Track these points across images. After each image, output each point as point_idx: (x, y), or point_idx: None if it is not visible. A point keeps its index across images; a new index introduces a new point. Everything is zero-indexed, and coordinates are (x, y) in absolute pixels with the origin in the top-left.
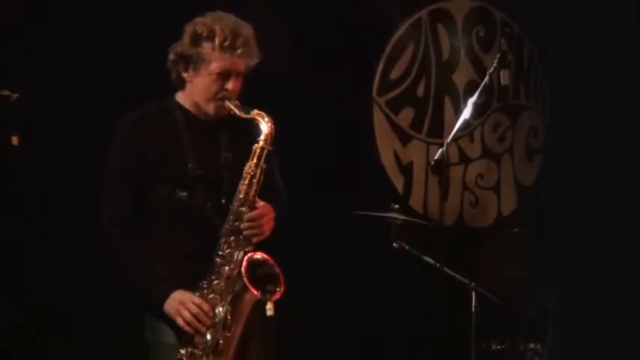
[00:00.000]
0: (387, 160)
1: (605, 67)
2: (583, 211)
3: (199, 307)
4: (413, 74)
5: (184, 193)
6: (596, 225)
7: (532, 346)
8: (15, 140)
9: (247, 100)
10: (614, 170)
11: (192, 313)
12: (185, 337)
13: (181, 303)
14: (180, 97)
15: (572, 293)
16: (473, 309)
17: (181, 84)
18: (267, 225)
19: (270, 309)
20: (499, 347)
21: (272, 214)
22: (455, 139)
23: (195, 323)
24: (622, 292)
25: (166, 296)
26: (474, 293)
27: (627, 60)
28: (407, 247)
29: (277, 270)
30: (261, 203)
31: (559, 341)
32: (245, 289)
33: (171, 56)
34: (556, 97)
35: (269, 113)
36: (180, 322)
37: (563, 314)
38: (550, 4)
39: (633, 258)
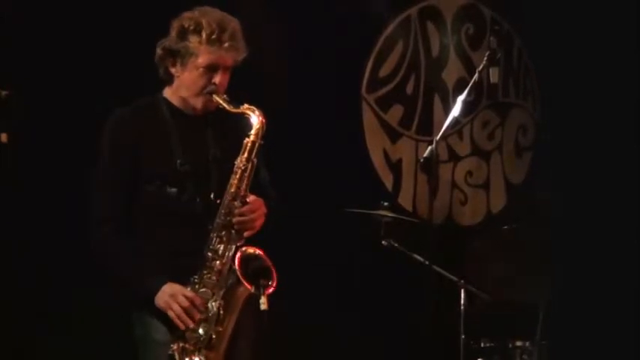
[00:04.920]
0: (376, 158)
1: (596, 64)
2: (575, 209)
3: (191, 300)
4: (402, 72)
5: (173, 189)
6: (589, 222)
7: (521, 343)
8: (4, 137)
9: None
10: (607, 167)
11: (182, 307)
12: (177, 332)
13: (172, 296)
14: (168, 93)
15: (564, 290)
16: (462, 306)
17: (169, 79)
18: (259, 219)
19: (263, 303)
20: (488, 345)
21: (263, 209)
22: (444, 136)
23: (185, 317)
24: (615, 289)
25: (157, 289)
26: (462, 291)
27: (618, 57)
28: (396, 245)
29: (269, 264)
30: (252, 197)
31: (555, 339)
32: (238, 283)
33: (159, 51)
34: (546, 94)
35: (260, 107)
36: (171, 314)
37: (554, 312)
38: (540, 1)
39: (627, 255)
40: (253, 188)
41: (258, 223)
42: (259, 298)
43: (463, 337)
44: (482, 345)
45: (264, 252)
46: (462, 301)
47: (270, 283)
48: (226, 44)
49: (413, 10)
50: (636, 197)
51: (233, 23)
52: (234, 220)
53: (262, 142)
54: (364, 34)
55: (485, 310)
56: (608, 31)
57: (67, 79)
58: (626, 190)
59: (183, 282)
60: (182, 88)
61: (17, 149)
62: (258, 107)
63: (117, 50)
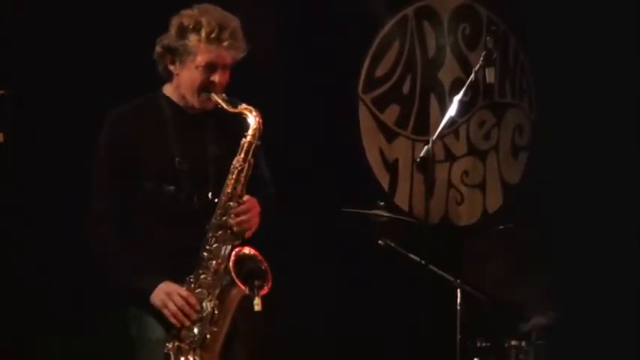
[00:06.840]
0: (373, 158)
1: (593, 64)
2: (571, 209)
3: (186, 299)
4: (398, 71)
5: (171, 188)
6: (587, 222)
7: (517, 343)
8: (0, 137)
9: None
10: (605, 167)
11: (177, 305)
12: (172, 331)
13: (167, 294)
14: (168, 90)
15: (563, 290)
16: (458, 306)
17: (168, 76)
18: (255, 219)
19: (257, 304)
20: (484, 344)
21: (258, 208)
22: (440, 136)
23: (180, 316)
24: (614, 289)
25: (154, 288)
26: (459, 290)
27: (617, 57)
28: (392, 245)
29: (265, 265)
30: (246, 197)
31: (554, 339)
32: (232, 284)
33: (158, 48)
34: (542, 94)
35: (257, 107)
36: (166, 313)
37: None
38: (536, 1)
39: (627, 255)
40: (252, 186)
41: (254, 222)
42: (253, 299)
43: (459, 336)
44: (478, 345)
45: (260, 252)
46: (459, 301)
47: (264, 284)
48: (226, 43)
49: (409, 10)
50: (636, 197)
51: (233, 22)
52: (231, 220)
53: (259, 142)
54: (361, 34)
55: (482, 310)
56: (606, 30)
57: (67, 78)
58: (625, 190)
59: (181, 281)
60: (181, 86)
61: (15, 149)
62: (255, 107)
63: (116, 50)
